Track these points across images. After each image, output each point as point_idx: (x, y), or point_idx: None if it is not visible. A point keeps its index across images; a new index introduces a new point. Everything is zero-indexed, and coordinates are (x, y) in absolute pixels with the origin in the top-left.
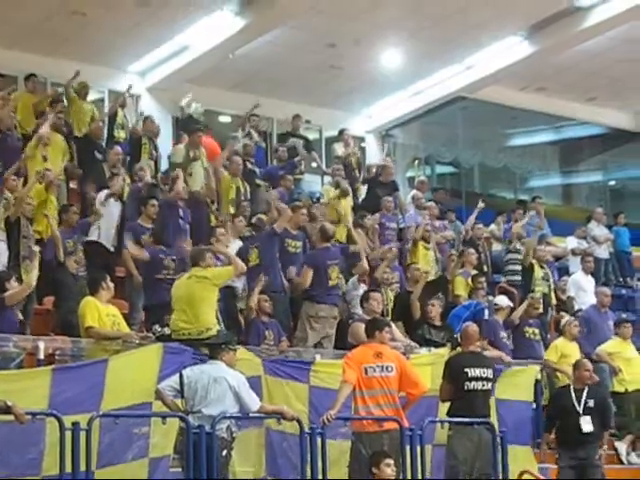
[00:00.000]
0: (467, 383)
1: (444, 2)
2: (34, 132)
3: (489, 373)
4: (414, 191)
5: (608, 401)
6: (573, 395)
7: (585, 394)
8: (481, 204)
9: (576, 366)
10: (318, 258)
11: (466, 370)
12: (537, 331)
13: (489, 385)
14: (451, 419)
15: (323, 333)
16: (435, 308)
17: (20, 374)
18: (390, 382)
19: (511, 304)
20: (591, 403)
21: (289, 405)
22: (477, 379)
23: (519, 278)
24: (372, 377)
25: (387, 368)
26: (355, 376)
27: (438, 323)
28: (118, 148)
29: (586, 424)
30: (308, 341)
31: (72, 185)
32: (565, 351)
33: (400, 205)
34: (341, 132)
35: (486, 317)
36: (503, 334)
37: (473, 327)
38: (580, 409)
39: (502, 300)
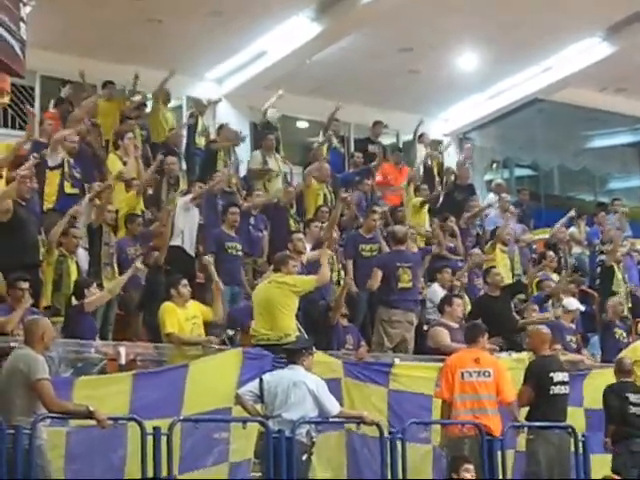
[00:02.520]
0: (553, 387)
1: (520, 5)
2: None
3: (567, 377)
4: (498, 194)
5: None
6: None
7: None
8: (573, 212)
9: None
10: (387, 260)
11: (551, 375)
12: (625, 333)
13: (568, 389)
14: (533, 423)
15: (399, 338)
16: (537, 313)
17: (102, 379)
18: (488, 387)
19: (581, 307)
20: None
21: (368, 408)
22: (561, 383)
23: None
24: (467, 382)
25: (484, 373)
26: (448, 391)
27: None
28: (173, 158)
29: None
30: (384, 346)
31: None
32: None
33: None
34: (420, 136)
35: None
36: (571, 337)
37: (546, 329)
38: None
39: (571, 303)
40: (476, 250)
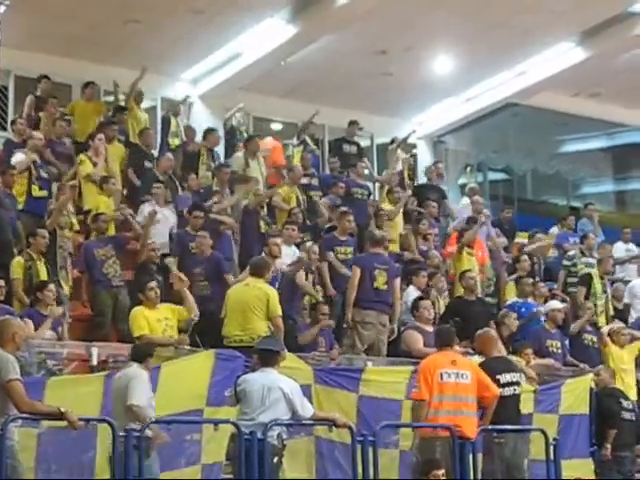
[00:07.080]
0: (501, 389)
1: (495, 9)
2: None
3: (518, 377)
4: (474, 197)
5: None
6: None
7: None
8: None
9: None
10: (365, 261)
11: (498, 377)
12: (595, 339)
13: (519, 389)
14: (503, 427)
15: (371, 339)
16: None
17: (74, 380)
18: (466, 389)
19: (561, 306)
20: None
21: (339, 414)
22: (509, 384)
23: (575, 290)
24: (446, 382)
25: (462, 375)
26: (428, 392)
27: None
28: (170, 155)
29: None
30: (356, 347)
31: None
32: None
33: (450, 212)
34: (392, 141)
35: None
36: (551, 342)
37: (491, 332)
38: None
39: (554, 304)
40: (433, 252)
